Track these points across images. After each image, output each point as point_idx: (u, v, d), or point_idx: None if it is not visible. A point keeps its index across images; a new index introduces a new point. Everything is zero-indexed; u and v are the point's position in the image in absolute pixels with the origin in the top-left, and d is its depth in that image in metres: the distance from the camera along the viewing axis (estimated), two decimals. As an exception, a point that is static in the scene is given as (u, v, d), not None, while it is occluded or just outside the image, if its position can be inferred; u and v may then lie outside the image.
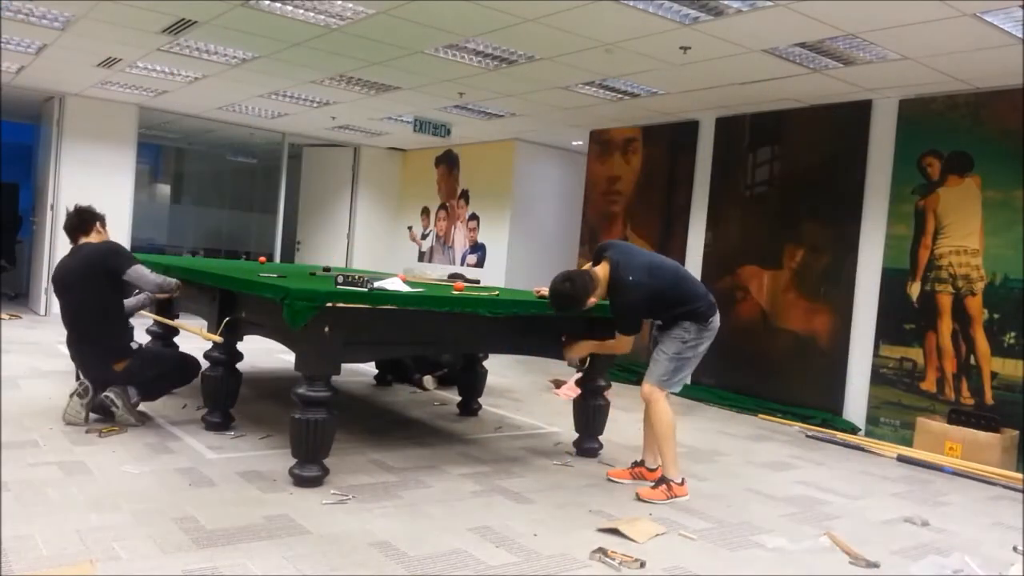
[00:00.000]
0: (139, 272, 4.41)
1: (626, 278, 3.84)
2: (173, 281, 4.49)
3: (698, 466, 4.64)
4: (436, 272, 7.81)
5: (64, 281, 4.45)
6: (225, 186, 14.52)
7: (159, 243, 12.24)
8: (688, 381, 4.27)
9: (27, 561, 2.55)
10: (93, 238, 4.58)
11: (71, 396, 4.33)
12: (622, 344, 4.06)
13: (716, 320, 4.05)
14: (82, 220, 4.57)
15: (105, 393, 4.31)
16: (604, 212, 8.35)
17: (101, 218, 4.69)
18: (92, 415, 4.38)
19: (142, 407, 4.51)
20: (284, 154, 11.00)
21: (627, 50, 5.43)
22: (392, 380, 6.54)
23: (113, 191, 9.30)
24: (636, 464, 4.25)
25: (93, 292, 4.38)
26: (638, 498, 3.83)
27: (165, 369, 4.59)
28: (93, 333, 4.41)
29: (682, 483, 3.92)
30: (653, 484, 3.94)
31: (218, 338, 4.28)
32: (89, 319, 4.40)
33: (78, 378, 4.47)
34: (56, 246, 8.96)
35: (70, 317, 4.45)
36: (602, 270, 3.91)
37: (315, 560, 2.77)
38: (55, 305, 8.78)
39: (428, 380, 6.48)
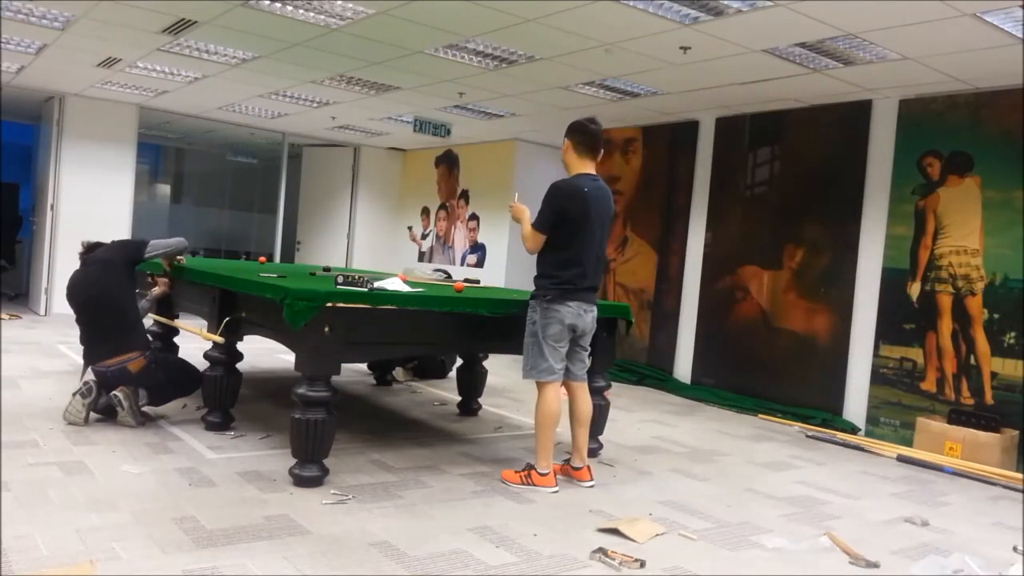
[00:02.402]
0: (156, 244, 4.65)
1: (564, 184, 3.86)
2: (180, 239, 4.88)
3: (698, 466, 4.64)
4: (422, 269, 7.83)
5: (84, 283, 4.49)
6: (225, 186, 14.51)
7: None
8: (557, 367, 3.87)
9: (27, 561, 2.55)
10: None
11: (74, 395, 4.34)
12: (529, 238, 3.88)
13: (574, 306, 3.82)
14: (95, 244, 4.82)
15: (114, 392, 4.31)
16: (604, 212, 8.34)
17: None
18: (93, 415, 4.38)
19: (146, 410, 4.51)
20: (284, 154, 11.00)
21: (627, 50, 5.43)
22: (390, 378, 6.55)
23: (113, 191, 9.31)
24: (565, 462, 4.13)
25: (112, 288, 4.43)
26: (501, 480, 3.91)
27: (177, 376, 4.61)
28: (112, 330, 4.41)
29: (547, 475, 3.86)
30: (520, 468, 3.95)
31: (218, 338, 4.29)
32: (108, 317, 4.42)
33: (83, 378, 4.48)
34: (56, 246, 8.97)
35: (88, 316, 4.46)
36: (580, 164, 3.92)
37: (315, 560, 2.77)
38: (55, 305, 8.88)
39: (399, 372, 6.55)
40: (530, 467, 3.90)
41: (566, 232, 3.81)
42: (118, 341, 4.39)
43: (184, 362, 4.81)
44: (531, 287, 3.98)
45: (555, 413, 3.87)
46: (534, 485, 3.83)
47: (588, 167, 3.93)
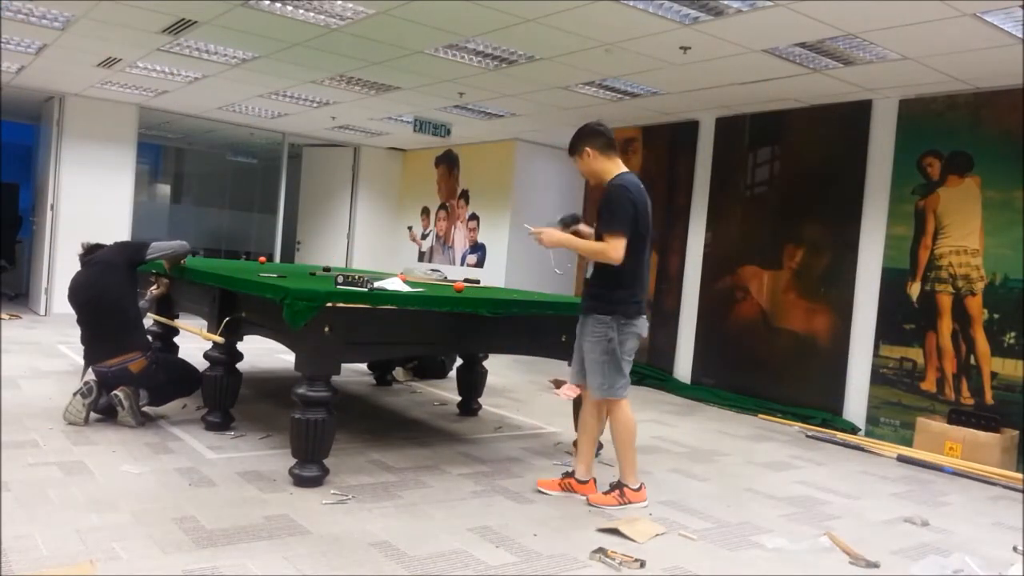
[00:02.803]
0: (158, 245, 4.62)
1: (628, 182, 3.62)
2: (182, 242, 4.81)
3: (698, 466, 4.64)
4: (421, 269, 7.84)
5: (85, 284, 4.49)
6: (225, 186, 14.52)
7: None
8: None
9: (27, 561, 2.55)
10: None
11: (74, 395, 4.34)
12: (613, 248, 3.49)
13: (644, 320, 3.70)
14: (95, 245, 4.81)
15: (115, 392, 4.32)
16: (604, 212, 8.34)
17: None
18: (93, 415, 4.38)
19: (146, 410, 4.51)
20: (284, 154, 11.00)
21: (627, 50, 5.43)
22: (390, 378, 6.55)
23: (113, 191, 9.31)
24: (566, 475, 3.88)
25: (113, 289, 4.43)
26: (589, 504, 3.67)
27: (177, 376, 4.62)
28: (114, 330, 4.41)
29: (639, 489, 3.73)
30: (607, 489, 3.73)
31: (218, 338, 4.29)
32: (109, 317, 4.42)
33: (84, 378, 4.48)
34: (56, 246, 8.97)
35: (89, 317, 4.46)
36: (613, 164, 3.71)
37: (315, 560, 2.77)
38: (55, 305, 8.88)
39: (399, 372, 6.56)
40: (621, 485, 3.71)
41: (636, 235, 3.58)
42: (119, 342, 4.39)
43: (185, 362, 4.81)
44: (532, 287, 3.96)
45: (635, 425, 3.76)
46: (631, 503, 3.68)
47: (621, 164, 3.75)
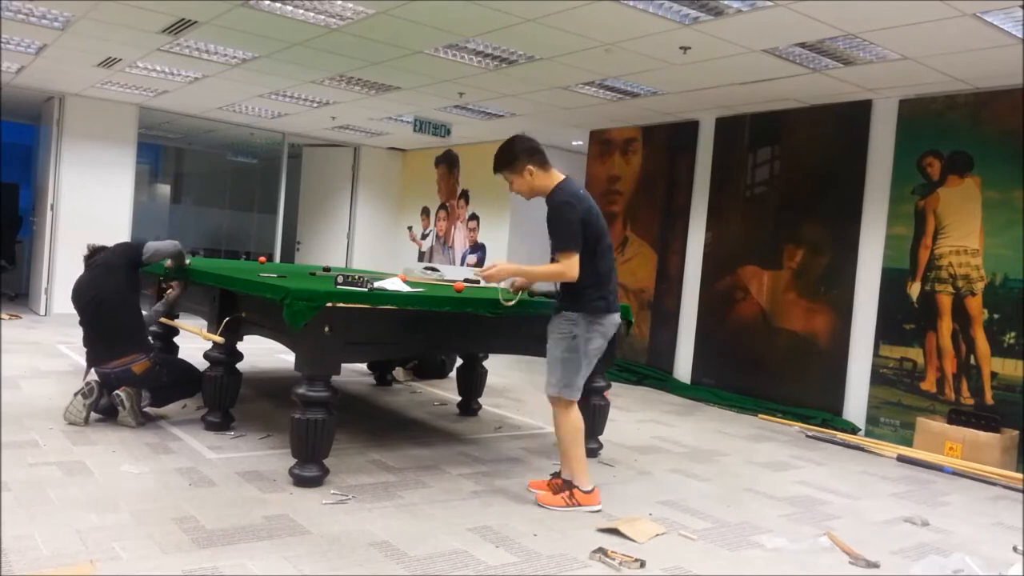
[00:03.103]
0: (153, 246, 4.60)
1: (569, 194, 3.57)
2: (174, 242, 4.79)
3: (698, 466, 4.64)
4: (420, 269, 7.84)
5: (87, 286, 4.49)
6: (225, 186, 14.52)
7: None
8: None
9: (27, 561, 2.55)
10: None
11: (75, 395, 4.34)
12: (567, 267, 3.47)
13: (615, 318, 3.68)
14: (99, 247, 4.80)
15: (116, 392, 4.32)
16: (604, 212, 8.16)
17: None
18: (94, 415, 4.38)
19: (147, 410, 4.52)
20: (284, 154, 11.00)
21: (627, 50, 5.43)
22: (390, 378, 6.55)
23: (113, 191, 9.31)
24: (554, 476, 3.82)
25: (114, 291, 4.43)
26: (537, 503, 3.61)
27: (180, 377, 4.62)
28: (116, 331, 4.41)
29: (591, 491, 3.62)
30: (557, 488, 3.63)
31: (218, 338, 4.29)
32: (111, 319, 4.41)
33: (86, 378, 4.48)
34: (56, 247, 8.97)
35: (91, 318, 4.46)
36: (551, 177, 3.64)
37: (315, 560, 2.77)
38: (55, 305, 8.87)
39: (399, 372, 6.57)
40: (572, 486, 3.61)
41: (592, 239, 3.57)
42: (121, 343, 4.39)
43: (186, 363, 4.81)
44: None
45: (583, 425, 3.68)
46: (580, 505, 3.57)
47: (556, 173, 3.69)
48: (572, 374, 3.61)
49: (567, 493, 3.61)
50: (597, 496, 3.64)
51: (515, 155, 3.65)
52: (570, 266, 3.49)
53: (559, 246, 3.53)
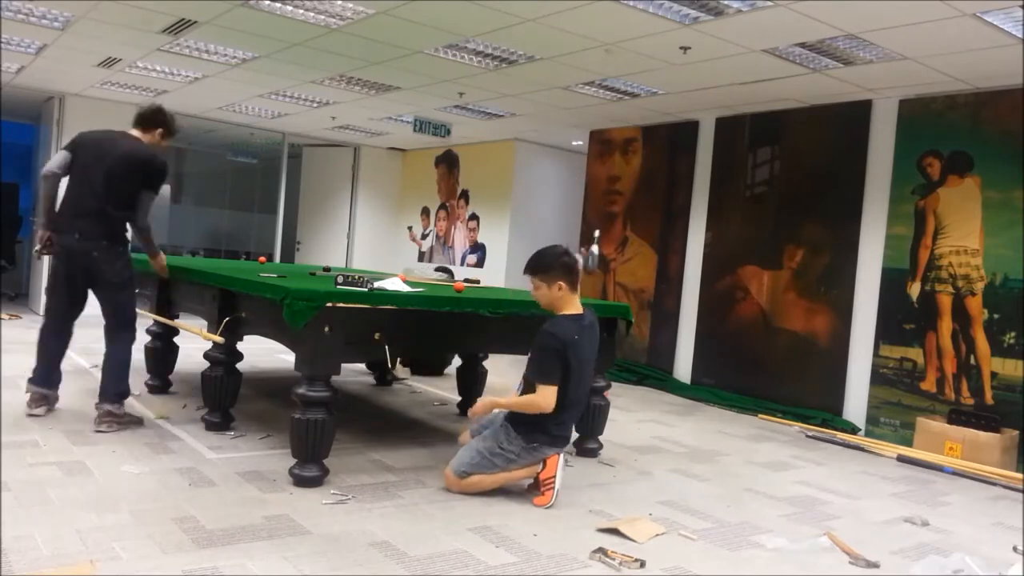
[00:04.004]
0: (147, 201, 4.63)
1: (557, 334, 3.60)
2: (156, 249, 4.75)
3: (698, 466, 4.64)
4: (422, 269, 7.86)
5: (100, 149, 4.60)
6: (225, 186, 14.51)
7: (159, 243, 12.22)
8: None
9: (27, 561, 2.55)
10: (144, 138, 4.83)
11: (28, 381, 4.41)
12: (543, 398, 3.55)
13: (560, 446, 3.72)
14: (149, 120, 4.87)
15: (98, 428, 4.21)
16: (604, 212, 8.36)
17: (168, 125, 4.96)
18: (43, 405, 4.44)
19: (138, 407, 4.50)
20: (284, 154, 11.00)
21: (627, 50, 5.43)
22: (391, 378, 6.55)
23: (113, 191, 9.28)
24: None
25: (119, 179, 4.52)
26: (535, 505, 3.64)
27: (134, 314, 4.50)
28: (106, 208, 4.40)
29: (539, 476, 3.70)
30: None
31: (218, 338, 4.28)
32: (106, 195, 4.44)
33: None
34: (56, 246, 8.95)
35: (89, 185, 4.45)
36: (570, 304, 3.72)
37: (315, 560, 2.77)
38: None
39: (398, 368, 6.57)
40: (539, 484, 3.67)
41: (564, 377, 3.61)
42: (108, 219, 4.42)
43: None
44: (531, 287, 3.90)
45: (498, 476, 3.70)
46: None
47: (577, 304, 3.75)
48: (482, 468, 3.65)
49: (545, 487, 3.66)
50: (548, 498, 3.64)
51: (553, 267, 3.69)
52: (546, 397, 3.56)
53: (538, 379, 3.60)
